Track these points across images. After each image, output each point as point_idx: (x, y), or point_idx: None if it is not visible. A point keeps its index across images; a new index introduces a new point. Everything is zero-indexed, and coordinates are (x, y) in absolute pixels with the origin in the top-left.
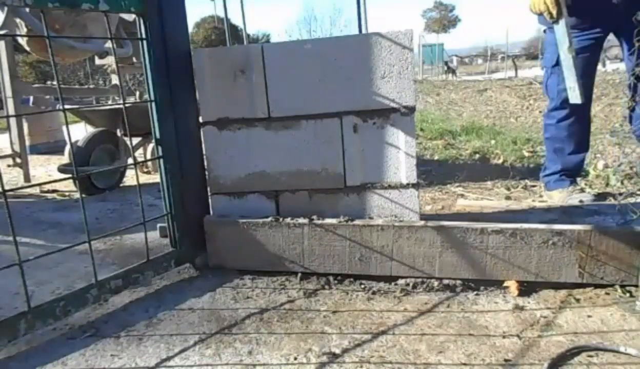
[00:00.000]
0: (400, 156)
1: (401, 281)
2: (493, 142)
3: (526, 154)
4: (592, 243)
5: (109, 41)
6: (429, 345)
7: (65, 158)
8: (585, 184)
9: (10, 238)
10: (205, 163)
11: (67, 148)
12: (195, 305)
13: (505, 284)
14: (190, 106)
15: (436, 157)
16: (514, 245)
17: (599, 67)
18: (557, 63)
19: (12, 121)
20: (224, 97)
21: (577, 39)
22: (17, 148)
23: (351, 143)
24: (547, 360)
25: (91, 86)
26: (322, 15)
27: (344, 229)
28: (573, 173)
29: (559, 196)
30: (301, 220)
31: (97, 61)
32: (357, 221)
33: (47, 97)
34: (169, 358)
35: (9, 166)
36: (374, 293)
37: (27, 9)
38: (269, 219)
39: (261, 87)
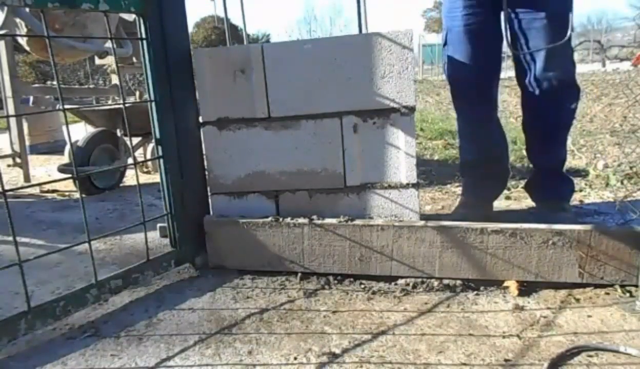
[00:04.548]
0: (400, 156)
1: (401, 281)
2: None
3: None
4: (592, 243)
5: (109, 41)
6: (429, 345)
7: (65, 158)
8: (585, 184)
9: (10, 238)
10: (205, 163)
11: (67, 148)
12: (195, 304)
13: (505, 284)
14: (190, 106)
15: (436, 157)
16: (514, 244)
17: (599, 67)
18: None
19: (12, 121)
20: (224, 97)
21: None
22: (17, 148)
23: (351, 143)
24: (547, 360)
25: (91, 86)
26: (322, 15)
27: (344, 229)
28: None
29: None
30: (301, 220)
31: (97, 61)
32: (357, 221)
33: (47, 97)
34: (169, 358)
35: (9, 166)
36: (374, 293)
37: (27, 9)
38: (269, 219)
39: (261, 87)
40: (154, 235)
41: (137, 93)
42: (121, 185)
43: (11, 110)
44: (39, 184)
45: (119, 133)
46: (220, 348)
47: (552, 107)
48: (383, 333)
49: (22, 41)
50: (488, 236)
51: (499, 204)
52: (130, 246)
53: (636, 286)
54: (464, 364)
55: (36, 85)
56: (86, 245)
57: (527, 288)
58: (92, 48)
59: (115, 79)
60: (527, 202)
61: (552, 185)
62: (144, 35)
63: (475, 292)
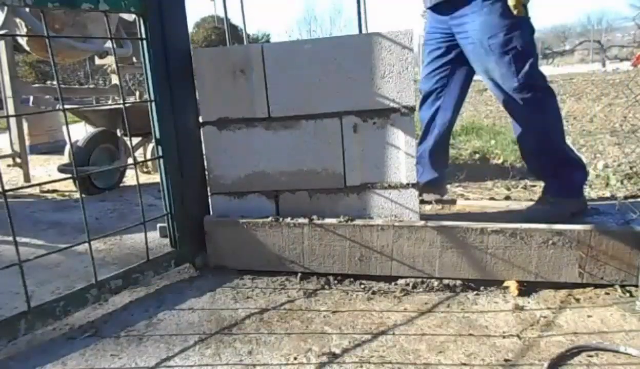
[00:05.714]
0: (400, 156)
1: (401, 281)
2: (493, 142)
3: None
4: (592, 243)
5: (109, 41)
6: (429, 345)
7: (65, 158)
8: (586, 184)
9: (10, 238)
10: (205, 163)
11: (67, 148)
12: (195, 305)
13: (505, 284)
14: (190, 106)
15: None
16: (514, 244)
17: (599, 67)
18: None
19: (12, 121)
20: (224, 97)
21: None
22: (17, 148)
23: (351, 143)
24: (547, 360)
25: (91, 86)
26: (322, 15)
27: (344, 229)
28: None
29: None
30: (301, 220)
31: (97, 61)
32: (357, 221)
33: (47, 97)
34: (169, 358)
35: (9, 166)
36: (374, 293)
37: (27, 9)
38: (269, 219)
39: (261, 86)
40: (154, 235)
41: (137, 93)
42: (121, 185)
43: (11, 110)
44: (39, 184)
45: (119, 133)
46: (220, 348)
47: (520, 118)
48: (383, 333)
49: (22, 41)
50: (488, 236)
51: (499, 204)
52: (130, 246)
53: (636, 286)
54: (464, 364)
55: (36, 85)
56: (86, 245)
57: (527, 288)
58: (92, 48)
59: (115, 79)
60: (527, 202)
61: (557, 178)
62: (144, 35)
63: (475, 292)
